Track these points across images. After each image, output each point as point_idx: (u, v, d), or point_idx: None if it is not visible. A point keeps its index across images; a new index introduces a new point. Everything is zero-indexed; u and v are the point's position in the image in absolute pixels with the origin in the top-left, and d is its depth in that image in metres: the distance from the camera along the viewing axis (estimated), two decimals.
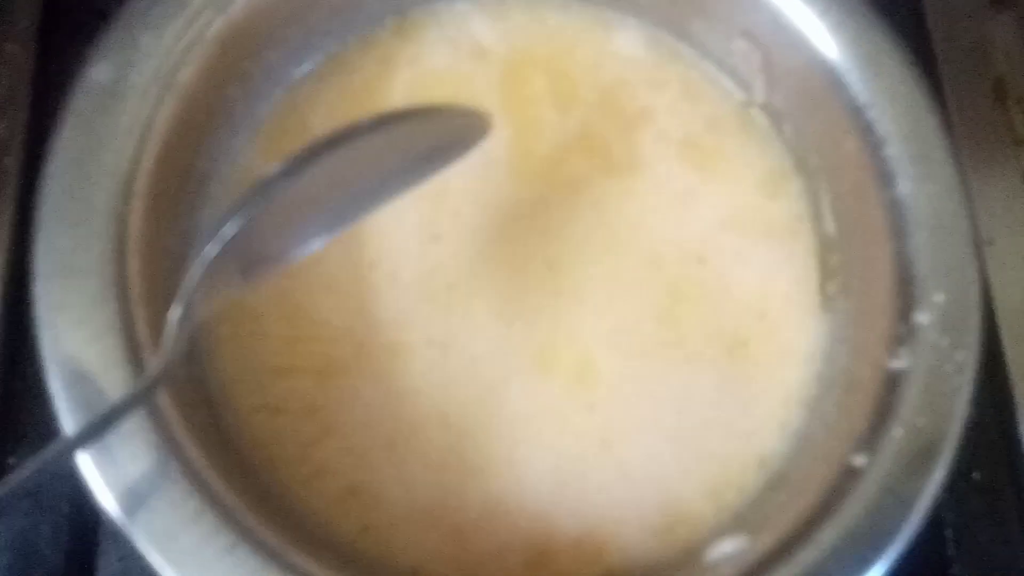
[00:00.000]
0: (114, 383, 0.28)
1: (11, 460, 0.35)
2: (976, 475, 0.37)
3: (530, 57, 0.37)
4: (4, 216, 0.38)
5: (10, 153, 0.39)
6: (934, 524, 0.33)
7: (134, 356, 0.29)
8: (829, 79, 0.34)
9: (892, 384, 0.31)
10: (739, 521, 0.32)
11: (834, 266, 0.36)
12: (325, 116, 0.36)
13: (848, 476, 0.30)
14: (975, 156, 0.41)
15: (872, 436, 0.30)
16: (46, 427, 0.35)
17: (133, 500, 0.27)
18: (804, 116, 0.37)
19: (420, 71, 0.37)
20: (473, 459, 0.33)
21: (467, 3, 0.38)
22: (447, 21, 0.38)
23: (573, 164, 0.36)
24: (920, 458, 0.30)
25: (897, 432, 0.30)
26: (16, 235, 0.38)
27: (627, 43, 0.38)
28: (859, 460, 0.30)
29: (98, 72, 0.31)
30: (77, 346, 0.28)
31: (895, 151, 0.33)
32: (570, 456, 0.33)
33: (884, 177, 0.33)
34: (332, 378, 0.33)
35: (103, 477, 0.27)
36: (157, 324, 0.30)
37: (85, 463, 0.27)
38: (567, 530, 0.32)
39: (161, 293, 0.31)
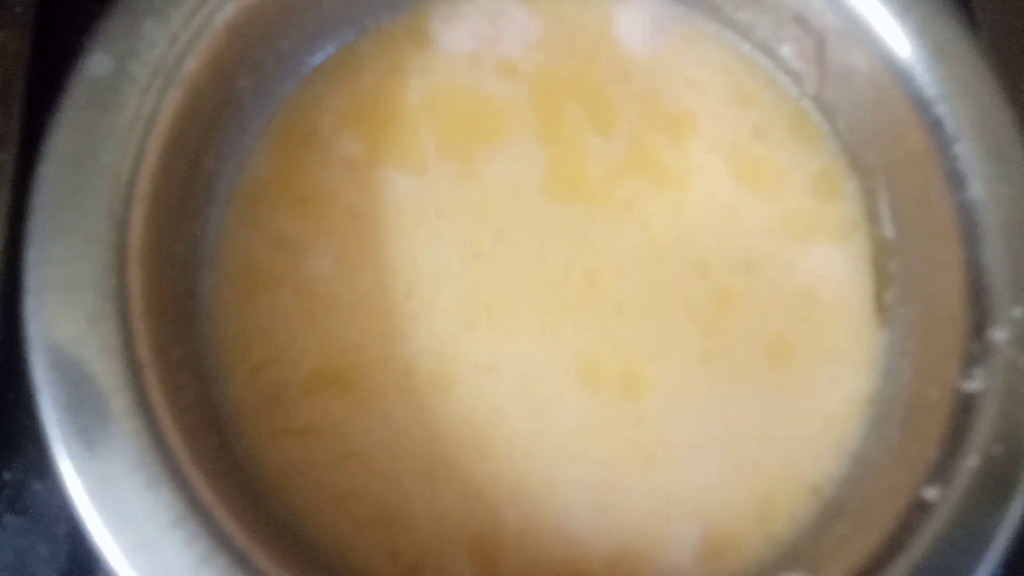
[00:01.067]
0: (113, 408, 0.26)
1: (6, 475, 0.33)
2: None
3: (557, 77, 0.35)
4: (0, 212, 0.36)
5: (5, 148, 0.37)
6: None
7: (135, 378, 0.26)
8: (892, 70, 0.32)
9: (965, 407, 0.28)
10: (794, 555, 0.30)
11: (892, 273, 0.34)
12: (334, 122, 0.34)
13: (918, 509, 0.27)
14: None
15: (944, 465, 0.28)
16: (42, 441, 0.34)
17: (135, 540, 0.25)
18: (861, 110, 0.34)
19: (436, 83, 0.35)
20: (511, 483, 0.31)
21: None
22: (463, 21, 0.35)
23: (625, 184, 0.34)
24: (996, 490, 0.27)
25: (971, 461, 0.28)
26: (13, 237, 0.36)
27: (662, 38, 0.36)
28: (930, 492, 0.28)
29: (96, 64, 0.28)
30: (72, 369, 0.26)
31: (966, 149, 0.30)
32: (613, 474, 0.31)
33: (953, 177, 0.31)
34: (365, 404, 0.31)
35: (99, 512, 0.25)
36: (160, 341, 0.28)
37: (82, 503, 0.25)
38: (602, 552, 0.30)
39: (166, 305, 0.29)
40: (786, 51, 0.35)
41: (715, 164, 0.34)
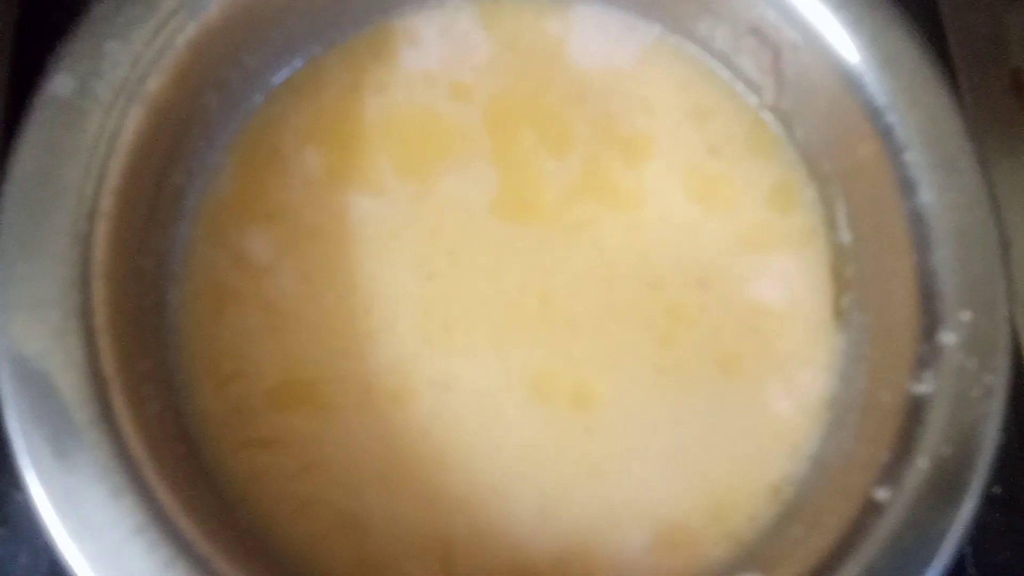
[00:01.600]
0: (77, 420, 0.26)
1: None
2: (996, 489, 0.35)
3: (512, 100, 0.35)
4: None
5: None
6: None
7: (99, 391, 0.27)
8: (844, 80, 0.32)
9: (915, 410, 0.29)
10: (751, 555, 0.30)
11: (849, 278, 0.34)
12: (296, 140, 0.35)
13: (870, 511, 0.28)
14: (992, 152, 0.39)
15: (895, 467, 0.28)
16: None
17: (98, 548, 0.25)
18: (817, 119, 0.34)
19: (393, 102, 0.35)
20: (464, 491, 0.32)
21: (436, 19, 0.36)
22: (420, 38, 0.36)
23: (579, 206, 0.34)
24: (946, 491, 0.28)
25: (922, 463, 0.28)
26: None
27: (620, 55, 0.36)
28: (881, 494, 0.28)
29: (59, 84, 0.28)
30: (37, 383, 0.26)
31: (916, 157, 0.31)
32: (558, 483, 0.32)
33: (904, 185, 0.31)
34: (327, 416, 0.32)
35: (62, 522, 0.26)
36: (126, 354, 0.28)
37: (47, 513, 0.25)
38: (549, 555, 0.31)
39: (132, 319, 0.29)
40: (744, 62, 0.36)
41: (670, 185, 0.35)
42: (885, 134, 0.31)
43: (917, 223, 0.31)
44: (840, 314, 0.34)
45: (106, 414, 0.26)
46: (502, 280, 0.33)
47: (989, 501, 0.34)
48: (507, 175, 0.34)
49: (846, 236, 0.34)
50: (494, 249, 0.33)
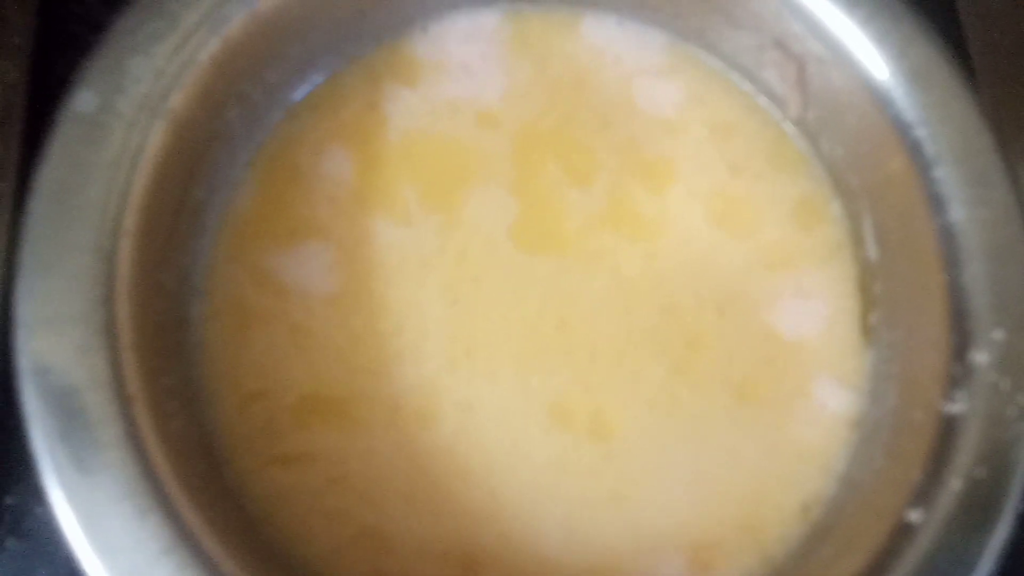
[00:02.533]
0: (102, 439, 0.26)
1: (8, 500, 0.34)
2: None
3: (537, 129, 0.35)
4: None
5: (4, 177, 0.37)
6: None
7: (124, 409, 0.26)
8: (872, 94, 0.32)
9: (948, 430, 0.28)
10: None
11: (877, 295, 0.34)
12: (318, 157, 0.35)
13: (902, 532, 0.28)
14: (1012, 162, 0.39)
15: (927, 488, 0.28)
16: None
17: (125, 569, 0.25)
18: (843, 134, 0.34)
19: (418, 125, 0.35)
20: (488, 508, 0.31)
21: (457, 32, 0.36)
22: (439, 54, 0.36)
23: (600, 236, 0.34)
24: (979, 513, 0.27)
25: (955, 484, 0.28)
26: (11, 263, 0.36)
27: (642, 73, 0.36)
28: (914, 515, 0.28)
29: (82, 101, 0.28)
30: (62, 401, 0.26)
31: (946, 173, 0.31)
32: (582, 507, 0.32)
33: (934, 201, 0.31)
34: (352, 434, 0.32)
35: (89, 541, 0.25)
36: (150, 371, 0.28)
37: (73, 533, 0.25)
38: (579, 569, 0.31)
39: (156, 335, 0.29)
40: (768, 76, 0.35)
41: (692, 210, 0.35)
42: (914, 149, 0.31)
43: (947, 239, 0.30)
44: (868, 331, 0.34)
45: (131, 432, 0.26)
46: (522, 307, 0.33)
47: (1019, 521, 0.34)
48: (530, 205, 0.34)
49: (873, 252, 0.34)
50: (515, 277, 0.34)
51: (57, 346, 0.26)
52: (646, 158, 0.35)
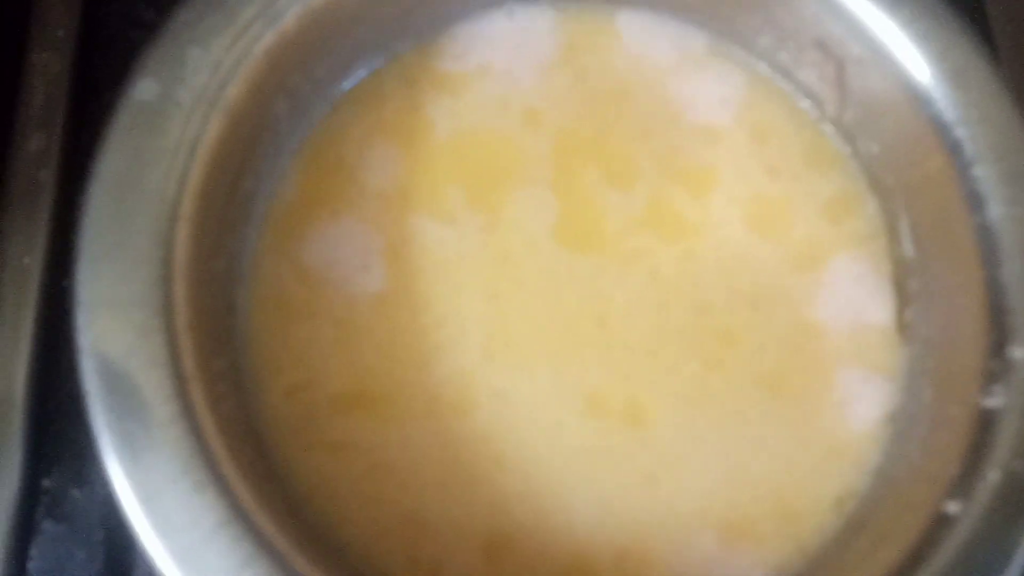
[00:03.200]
0: (160, 417, 0.27)
1: (45, 482, 0.35)
2: None
3: (579, 137, 0.36)
4: (40, 232, 0.38)
5: (47, 166, 0.38)
6: None
7: (181, 389, 0.27)
8: (912, 94, 0.32)
9: (986, 424, 0.29)
10: (820, 568, 0.30)
11: (912, 291, 0.34)
12: (359, 152, 0.36)
13: (940, 524, 0.28)
14: None
15: (965, 481, 0.28)
16: (81, 449, 0.35)
17: (182, 543, 0.26)
18: (881, 133, 0.35)
19: (462, 123, 0.36)
20: (522, 491, 0.32)
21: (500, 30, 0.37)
22: (482, 50, 0.37)
23: (639, 237, 0.35)
24: (1018, 505, 0.28)
25: (993, 476, 0.28)
26: (52, 250, 0.37)
27: (682, 71, 0.37)
28: (952, 507, 0.28)
29: (143, 89, 0.29)
30: (121, 380, 0.27)
31: (985, 171, 0.31)
32: (613, 487, 0.32)
33: (972, 199, 0.31)
34: (392, 423, 0.32)
35: (146, 515, 0.26)
36: (203, 354, 0.29)
37: (131, 508, 0.26)
38: (611, 548, 0.32)
39: (208, 319, 0.30)
40: (806, 75, 0.36)
41: (731, 214, 0.35)
42: (953, 148, 0.31)
43: (985, 237, 0.31)
44: (904, 327, 0.34)
45: (187, 411, 0.27)
46: (560, 303, 0.34)
47: None
48: (571, 205, 0.35)
49: (909, 249, 0.34)
50: (555, 274, 0.34)
51: (117, 327, 0.27)
52: (687, 166, 0.36)
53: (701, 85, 0.37)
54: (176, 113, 0.29)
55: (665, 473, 0.32)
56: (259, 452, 0.31)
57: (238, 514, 0.26)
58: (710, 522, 0.32)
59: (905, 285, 0.34)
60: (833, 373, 0.34)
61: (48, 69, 0.40)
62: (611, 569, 0.31)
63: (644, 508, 0.32)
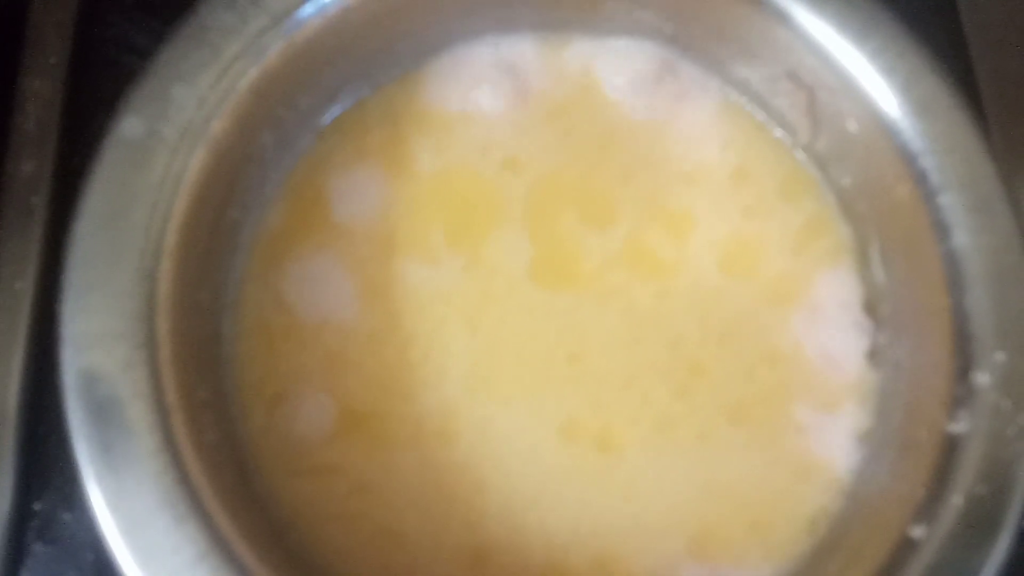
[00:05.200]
0: (143, 449, 0.27)
1: (37, 506, 0.35)
2: None
3: (559, 179, 0.37)
4: (31, 255, 0.38)
5: (38, 192, 0.38)
6: None
7: (163, 421, 0.28)
8: (880, 124, 0.33)
9: (950, 448, 0.30)
10: None
11: (883, 316, 0.35)
12: (343, 183, 0.36)
13: (906, 547, 0.29)
14: (1021, 190, 0.40)
15: (930, 504, 0.29)
16: (71, 473, 0.35)
17: (163, 574, 0.26)
18: (852, 161, 0.35)
19: (445, 163, 0.37)
20: (501, 509, 0.33)
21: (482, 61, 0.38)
22: (466, 91, 0.37)
23: (615, 276, 0.36)
24: (980, 529, 0.28)
25: (956, 501, 0.29)
26: (44, 274, 0.37)
27: (668, 135, 0.37)
28: (917, 531, 0.29)
29: (129, 127, 0.30)
30: (105, 413, 0.27)
31: (951, 201, 0.32)
32: (589, 504, 0.33)
33: (939, 227, 0.32)
34: (378, 449, 0.33)
35: (128, 546, 0.27)
36: (186, 385, 0.29)
37: (113, 539, 0.26)
38: (586, 556, 0.33)
39: (192, 351, 0.31)
40: (780, 103, 0.37)
41: (708, 254, 0.36)
42: (920, 178, 0.32)
43: (951, 264, 0.31)
44: (875, 352, 0.35)
45: (170, 443, 0.28)
46: (538, 339, 0.35)
47: (1019, 537, 0.35)
48: (548, 247, 0.36)
49: (880, 275, 0.35)
50: (533, 311, 0.35)
51: (102, 361, 0.28)
52: (666, 208, 0.37)
53: (682, 121, 0.38)
54: (161, 149, 0.30)
55: (636, 490, 0.34)
56: (242, 479, 0.31)
57: (218, 544, 0.27)
58: (680, 534, 0.33)
59: (877, 310, 0.35)
60: (800, 399, 0.35)
61: (40, 95, 0.40)
62: (587, 572, 0.33)
63: (616, 519, 0.33)
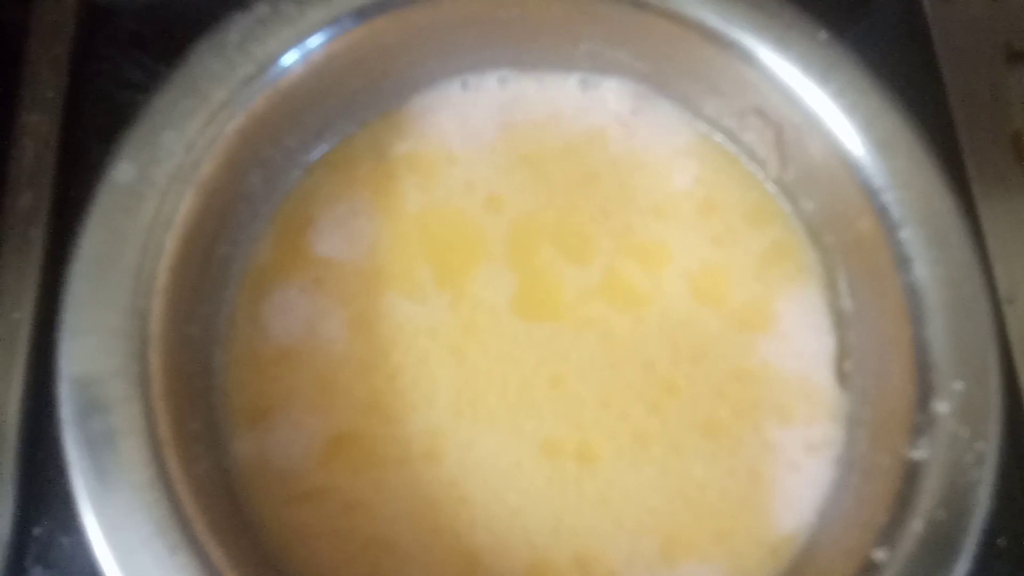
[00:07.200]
0: (137, 483, 0.29)
1: (36, 531, 0.36)
2: (1001, 541, 0.36)
3: (539, 218, 0.39)
4: (29, 287, 0.39)
5: (36, 224, 0.40)
6: None
7: (156, 454, 0.29)
8: (844, 160, 0.34)
9: (912, 475, 0.31)
10: None
11: (851, 344, 0.36)
12: (331, 216, 0.38)
13: (869, 569, 0.30)
14: (993, 212, 0.41)
15: (892, 529, 0.30)
16: (70, 498, 0.36)
17: None
18: (819, 194, 0.37)
19: (429, 200, 0.38)
20: (485, 518, 0.35)
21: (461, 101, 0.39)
22: (447, 128, 0.39)
23: (592, 308, 0.37)
24: (940, 553, 0.30)
25: (916, 526, 0.30)
26: (42, 305, 0.38)
27: (642, 170, 0.39)
28: (879, 555, 0.30)
29: (120, 172, 0.31)
30: (100, 448, 0.29)
31: (911, 234, 0.33)
32: (569, 509, 0.35)
33: (900, 260, 0.33)
34: (368, 470, 0.35)
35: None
36: (178, 418, 0.31)
37: (104, 560, 0.28)
38: (566, 554, 0.34)
39: (183, 384, 0.32)
40: (750, 138, 0.38)
41: (681, 284, 0.38)
42: (881, 212, 0.33)
43: (912, 296, 0.33)
44: (843, 378, 0.36)
45: (162, 475, 0.29)
46: (520, 366, 0.36)
47: (995, 553, 0.36)
48: (529, 281, 0.38)
49: (848, 304, 0.36)
50: (515, 341, 0.37)
51: (96, 398, 0.29)
52: (641, 242, 0.38)
53: (655, 156, 0.39)
54: (151, 193, 0.31)
55: (612, 496, 0.35)
56: (233, 508, 0.33)
57: (210, 573, 0.28)
58: (655, 536, 0.35)
59: (845, 337, 0.36)
60: (775, 422, 0.36)
61: (38, 128, 0.41)
62: (568, 568, 0.34)
63: (594, 521, 0.35)
